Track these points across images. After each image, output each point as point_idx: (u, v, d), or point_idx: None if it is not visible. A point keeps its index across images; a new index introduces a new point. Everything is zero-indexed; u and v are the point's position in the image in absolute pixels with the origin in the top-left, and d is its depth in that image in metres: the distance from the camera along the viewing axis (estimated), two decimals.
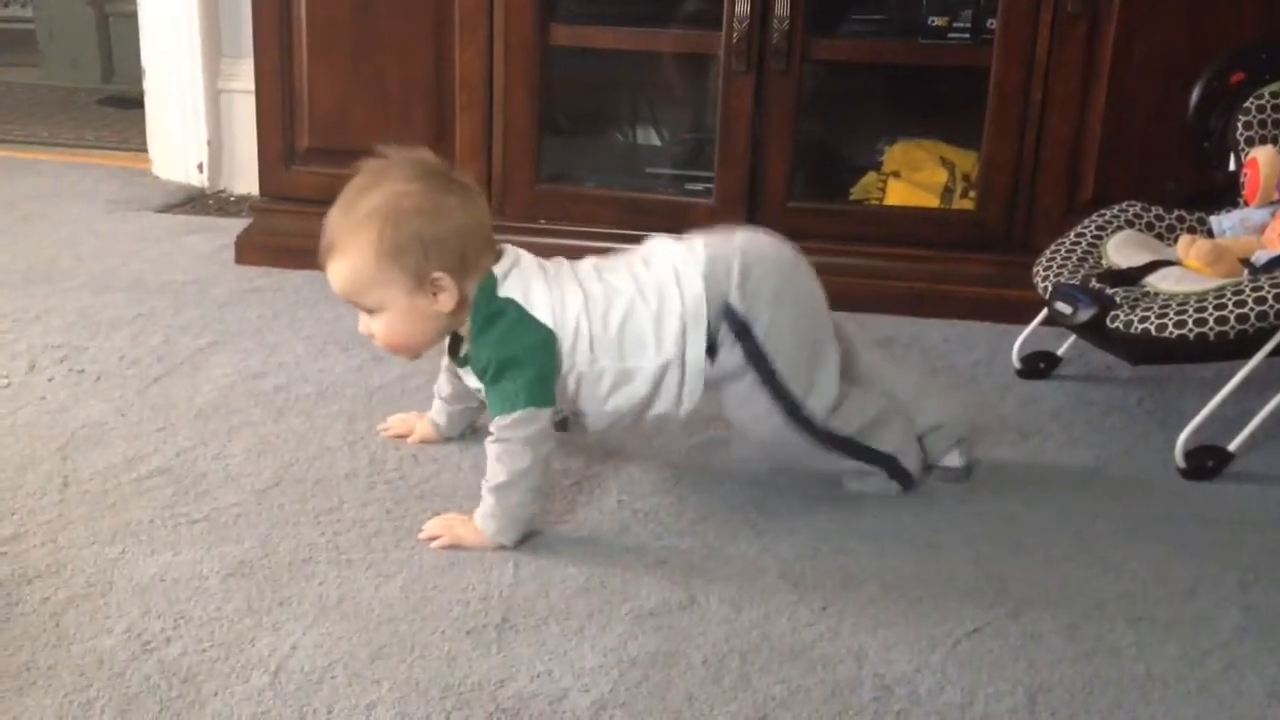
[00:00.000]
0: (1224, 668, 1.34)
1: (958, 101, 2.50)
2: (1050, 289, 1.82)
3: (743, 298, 1.55)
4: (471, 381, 1.59)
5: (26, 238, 2.61)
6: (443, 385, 1.75)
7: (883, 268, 2.38)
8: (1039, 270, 1.91)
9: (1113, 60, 2.27)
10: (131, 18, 4.01)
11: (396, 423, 1.80)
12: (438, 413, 1.77)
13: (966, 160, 2.44)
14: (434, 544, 1.51)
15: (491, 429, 1.52)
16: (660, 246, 1.61)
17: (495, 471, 1.51)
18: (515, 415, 1.50)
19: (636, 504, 1.63)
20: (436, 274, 1.49)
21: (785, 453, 1.64)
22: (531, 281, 1.54)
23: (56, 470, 1.64)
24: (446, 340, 1.61)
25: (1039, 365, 2.07)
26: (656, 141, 2.80)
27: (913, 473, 1.67)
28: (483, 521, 1.51)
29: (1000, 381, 2.06)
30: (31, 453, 1.69)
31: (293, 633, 1.33)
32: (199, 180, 3.06)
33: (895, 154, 2.50)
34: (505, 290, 1.53)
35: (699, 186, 2.49)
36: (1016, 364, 2.07)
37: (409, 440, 1.77)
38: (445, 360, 1.70)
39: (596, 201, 2.50)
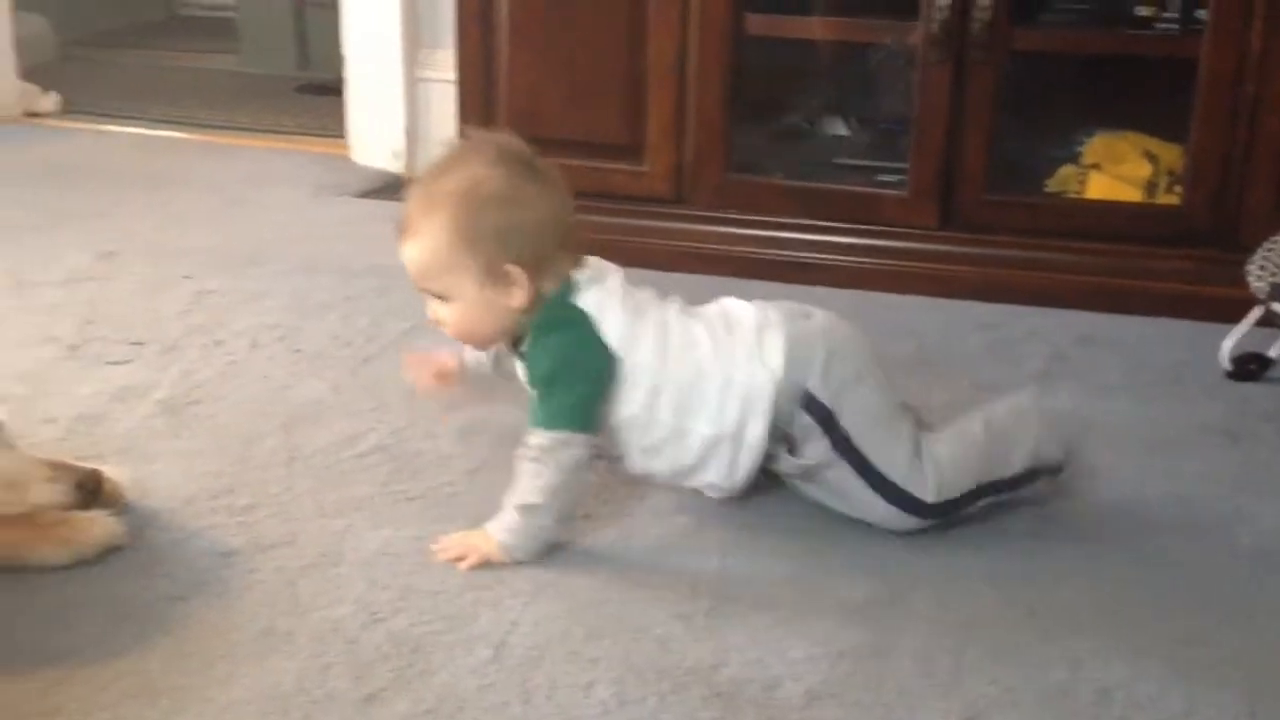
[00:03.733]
0: None
1: (1163, 93, 2.43)
2: (1269, 288, 1.77)
3: (826, 385, 1.47)
4: (523, 374, 1.53)
5: (237, 221, 2.73)
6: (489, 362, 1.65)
7: (1081, 262, 2.33)
8: (1254, 268, 1.85)
9: None
10: (325, 6, 4.15)
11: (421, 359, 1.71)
12: (472, 360, 1.65)
13: (1171, 154, 2.38)
14: (461, 565, 1.45)
15: (527, 441, 1.46)
16: (740, 313, 1.53)
17: (527, 491, 1.45)
18: (555, 435, 1.44)
19: None
20: (509, 266, 1.44)
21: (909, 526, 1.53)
22: (610, 301, 1.48)
23: (282, 445, 1.73)
24: None
25: (1249, 367, 2.01)
26: (845, 132, 2.78)
27: (1059, 462, 1.58)
28: (502, 536, 1.45)
29: (1207, 382, 2.01)
30: (257, 428, 1.77)
31: (511, 609, 1.38)
32: (395, 166, 3.15)
33: (1096, 146, 2.45)
34: (580, 300, 1.47)
35: (890, 178, 2.48)
36: (1227, 365, 2.01)
37: (431, 372, 1.67)
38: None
39: (784, 192, 2.50)
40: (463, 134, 1.53)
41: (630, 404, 1.47)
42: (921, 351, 2.12)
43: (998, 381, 2.00)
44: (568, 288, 1.48)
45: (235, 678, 1.25)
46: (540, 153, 1.52)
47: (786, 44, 2.54)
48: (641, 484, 1.61)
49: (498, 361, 1.63)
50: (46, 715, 1.19)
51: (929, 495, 1.50)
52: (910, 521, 1.52)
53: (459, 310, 1.48)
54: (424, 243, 1.45)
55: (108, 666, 1.26)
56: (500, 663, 1.29)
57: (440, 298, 1.48)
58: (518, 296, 1.45)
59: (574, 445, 1.45)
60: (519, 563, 1.46)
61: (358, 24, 3.14)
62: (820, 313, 1.56)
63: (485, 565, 1.45)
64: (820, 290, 2.36)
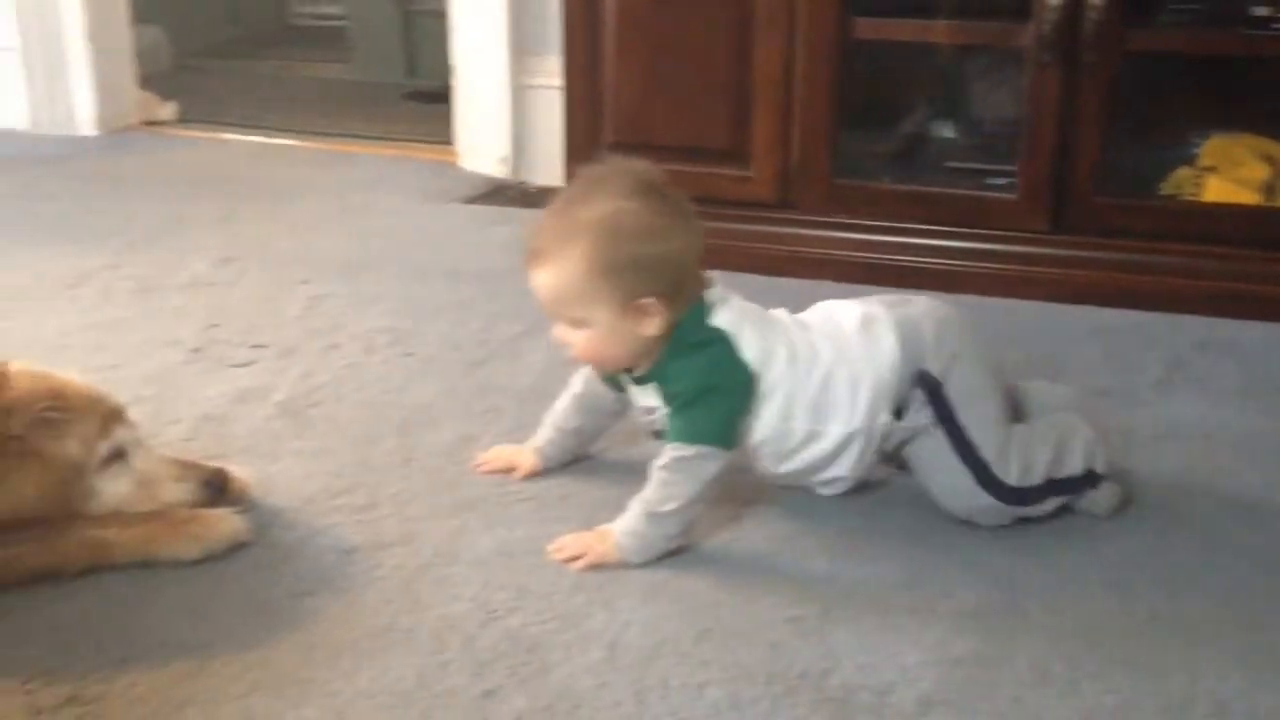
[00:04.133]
0: None
1: None
2: None
3: (937, 359, 1.51)
4: (646, 401, 1.54)
5: (351, 227, 2.79)
6: (569, 416, 1.67)
7: (1198, 266, 2.29)
8: None
9: None
10: (433, 15, 4.22)
11: (494, 456, 1.70)
12: (548, 443, 1.68)
13: None
14: (573, 566, 1.46)
15: (666, 451, 1.48)
16: (845, 311, 1.56)
17: (660, 498, 1.47)
18: (696, 449, 1.46)
19: None
20: (648, 299, 1.45)
21: (984, 517, 1.56)
22: (743, 320, 1.50)
23: (398, 446, 1.77)
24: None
25: None
26: (953, 134, 2.76)
27: (1104, 472, 1.58)
28: (624, 538, 1.47)
29: None
30: (374, 430, 1.82)
31: (624, 610, 1.40)
32: (502, 172, 3.20)
33: (1212, 148, 2.40)
34: (717, 321, 1.49)
35: (1000, 181, 2.45)
36: None
37: (514, 475, 1.67)
38: (576, 390, 1.66)
39: (893, 197, 2.49)
40: (599, 160, 1.52)
41: (768, 417, 1.50)
42: (1033, 358, 2.09)
43: (1114, 388, 1.97)
44: (701, 309, 1.49)
45: (359, 672, 1.28)
46: (645, 157, 1.54)
47: (894, 47, 2.53)
48: (749, 487, 1.62)
49: (581, 423, 1.67)
50: (179, 706, 1.23)
51: (1010, 478, 1.52)
52: (984, 501, 1.53)
53: (591, 337, 1.49)
54: (560, 271, 1.46)
55: (237, 659, 1.30)
56: (614, 662, 1.31)
57: (572, 325, 1.50)
58: (654, 326, 1.47)
59: (713, 460, 1.47)
60: (632, 566, 1.47)
61: (465, 32, 3.19)
62: (921, 298, 1.61)
63: (598, 566, 1.47)
64: (928, 295, 2.34)
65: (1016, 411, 1.61)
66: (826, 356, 1.51)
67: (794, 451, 1.53)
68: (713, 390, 1.47)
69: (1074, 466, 1.56)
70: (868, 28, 2.43)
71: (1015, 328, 2.22)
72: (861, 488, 1.60)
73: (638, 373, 1.54)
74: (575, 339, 1.50)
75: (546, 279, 1.48)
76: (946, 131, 2.75)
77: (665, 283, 1.45)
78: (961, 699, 1.26)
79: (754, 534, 1.56)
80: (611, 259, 1.44)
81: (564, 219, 1.47)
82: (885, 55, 2.57)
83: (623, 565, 1.47)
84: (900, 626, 1.38)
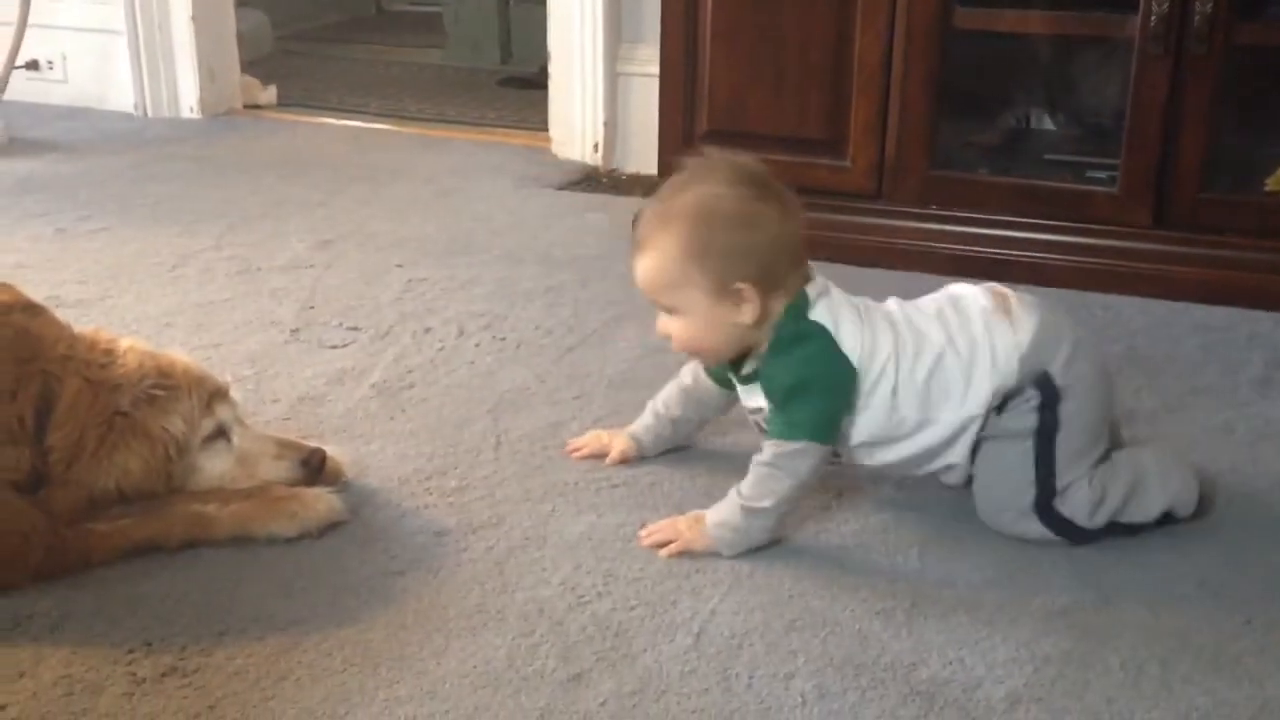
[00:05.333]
0: None
1: None
2: None
3: (1065, 373, 1.47)
4: (753, 401, 1.54)
5: (447, 211, 2.82)
6: (672, 405, 1.68)
7: None
8: None
9: None
10: (529, 1, 4.25)
11: (590, 440, 1.72)
12: (644, 431, 1.69)
13: None
14: (662, 552, 1.47)
15: (766, 448, 1.48)
16: (971, 294, 1.53)
17: (758, 493, 1.47)
18: (795, 445, 1.46)
19: None
20: (740, 285, 1.45)
21: (1026, 535, 1.51)
22: (842, 313, 1.49)
23: (489, 430, 1.79)
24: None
25: None
26: (1052, 126, 2.72)
27: (1191, 514, 1.54)
28: (718, 530, 1.47)
29: None
30: (466, 413, 1.84)
31: (711, 598, 1.40)
32: (594, 160, 3.21)
33: None
34: (816, 315, 1.48)
35: (1101, 174, 2.41)
36: None
37: (607, 461, 1.68)
38: (685, 381, 1.66)
39: (990, 189, 2.46)
40: (701, 152, 1.53)
41: (877, 409, 1.48)
42: (1133, 353, 2.06)
43: (1214, 386, 1.93)
44: (800, 303, 1.49)
45: (450, 651, 1.30)
46: (740, 146, 1.54)
47: (994, 37, 2.50)
48: (837, 479, 1.61)
49: (683, 412, 1.67)
50: (277, 680, 1.26)
51: (1064, 509, 1.49)
52: (1030, 527, 1.50)
53: (688, 324, 1.49)
54: (656, 257, 1.48)
55: (331, 635, 1.33)
56: (700, 650, 1.31)
57: (670, 311, 1.51)
58: (748, 313, 1.47)
59: (812, 455, 1.47)
60: (720, 556, 1.48)
61: (562, 18, 3.21)
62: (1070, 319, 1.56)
63: (686, 553, 1.48)
64: (1024, 289, 2.30)
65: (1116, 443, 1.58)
66: (936, 341, 1.48)
67: (903, 440, 1.51)
68: (810, 385, 1.46)
69: (1148, 512, 1.51)
70: (969, 17, 2.40)
71: (1114, 324, 2.18)
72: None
73: (745, 370, 1.54)
74: (674, 328, 1.51)
75: (644, 264, 1.50)
76: (1046, 123, 2.71)
77: (758, 270, 1.45)
78: (1051, 697, 1.25)
79: (843, 527, 1.55)
80: (705, 244, 1.45)
81: (663, 207, 1.49)
82: (985, 45, 2.54)
83: (712, 555, 1.48)
84: (990, 622, 1.37)
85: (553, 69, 3.28)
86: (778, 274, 1.47)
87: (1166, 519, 1.53)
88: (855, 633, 1.35)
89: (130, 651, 1.30)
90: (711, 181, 1.47)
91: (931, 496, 1.58)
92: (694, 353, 1.57)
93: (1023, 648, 1.32)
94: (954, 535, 1.53)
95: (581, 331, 2.14)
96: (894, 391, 1.48)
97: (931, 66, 2.39)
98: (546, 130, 3.36)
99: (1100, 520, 1.50)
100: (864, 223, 2.48)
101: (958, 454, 1.51)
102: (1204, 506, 1.57)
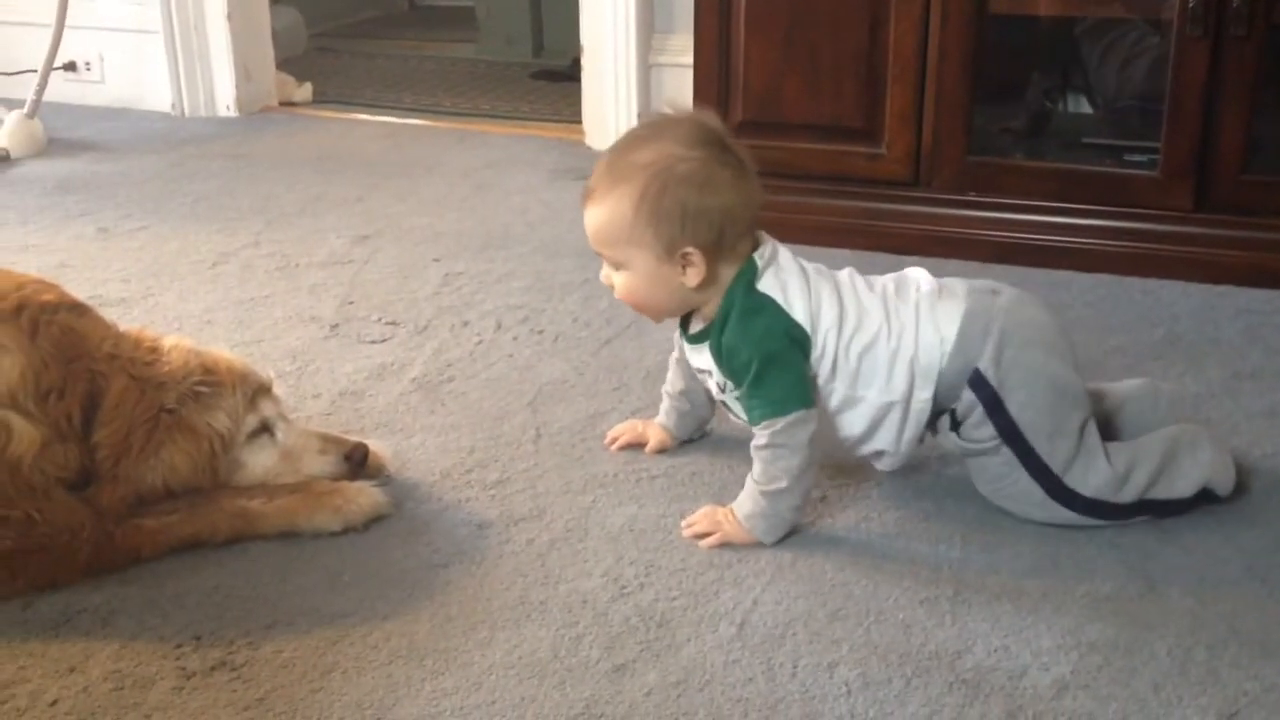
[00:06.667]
0: None
1: None
2: None
3: (996, 367, 1.45)
4: (699, 361, 1.55)
5: (483, 205, 2.83)
6: (675, 380, 1.68)
7: None
8: None
9: None
10: None
11: (626, 430, 1.72)
12: (667, 415, 1.70)
13: None
14: (703, 544, 1.48)
15: (759, 433, 1.47)
16: (918, 279, 1.53)
17: (772, 475, 1.47)
18: (786, 419, 1.45)
19: None
20: (689, 249, 1.44)
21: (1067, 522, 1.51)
22: (790, 281, 1.48)
23: (529, 422, 1.79)
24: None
25: None
26: (1089, 110, 2.70)
27: (1226, 494, 1.52)
28: (750, 521, 1.47)
29: None
30: (505, 406, 1.85)
31: (753, 588, 1.40)
32: None
33: None
34: (764, 285, 1.48)
35: (1140, 158, 2.39)
36: None
37: (646, 450, 1.69)
38: (675, 354, 1.66)
39: (1028, 173, 2.45)
40: (663, 109, 1.53)
41: (814, 378, 1.49)
42: (1173, 337, 2.05)
43: (1258, 370, 1.91)
44: (751, 271, 1.48)
45: (494, 643, 1.31)
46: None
47: (1030, 20, 2.48)
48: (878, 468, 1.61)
49: (685, 384, 1.67)
50: (324, 673, 1.27)
51: (1086, 489, 1.48)
52: (1061, 514, 1.49)
53: (631, 280, 1.50)
54: (608, 211, 1.47)
55: (377, 628, 1.34)
56: (744, 640, 1.32)
57: (615, 266, 1.51)
58: (693, 277, 1.46)
59: (805, 423, 1.47)
60: (760, 544, 1.48)
61: (593, 10, 3.21)
62: (1009, 291, 1.53)
63: (728, 544, 1.48)
64: (1064, 274, 2.31)
65: (1103, 419, 1.56)
66: (874, 321, 1.48)
67: (835, 414, 1.51)
68: (775, 358, 1.46)
69: (1182, 489, 1.50)
70: (1004, 1, 2.38)
71: (1155, 309, 2.16)
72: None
73: (692, 330, 1.54)
74: (617, 281, 1.51)
75: (595, 216, 1.49)
76: (1083, 107, 2.69)
77: (710, 234, 1.45)
78: (1098, 684, 1.24)
79: (885, 515, 1.55)
80: (658, 205, 1.43)
81: (620, 160, 1.47)
82: (1020, 29, 2.52)
83: (754, 544, 1.48)
84: (1035, 609, 1.36)
85: (585, 61, 3.28)
86: (728, 241, 1.46)
87: (1206, 497, 1.52)
88: (899, 621, 1.35)
89: (179, 646, 1.32)
90: (671, 140, 1.45)
91: (972, 485, 1.57)
92: (635, 307, 1.56)
93: (1068, 635, 1.32)
94: (996, 523, 1.52)
95: (618, 323, 2.14)
96: (832, 366, 1.48)
97: (967, 51, 2.37)
98: (580, 122, 3.36)
99: (1129, 496, 1.49)
100: (902, 210, 2.46)
101: (884, 440, 1.52)
102: (1242, 486, 1.55)
